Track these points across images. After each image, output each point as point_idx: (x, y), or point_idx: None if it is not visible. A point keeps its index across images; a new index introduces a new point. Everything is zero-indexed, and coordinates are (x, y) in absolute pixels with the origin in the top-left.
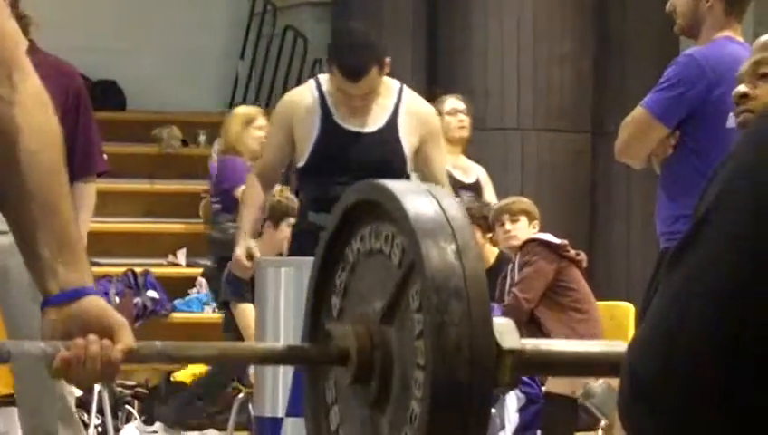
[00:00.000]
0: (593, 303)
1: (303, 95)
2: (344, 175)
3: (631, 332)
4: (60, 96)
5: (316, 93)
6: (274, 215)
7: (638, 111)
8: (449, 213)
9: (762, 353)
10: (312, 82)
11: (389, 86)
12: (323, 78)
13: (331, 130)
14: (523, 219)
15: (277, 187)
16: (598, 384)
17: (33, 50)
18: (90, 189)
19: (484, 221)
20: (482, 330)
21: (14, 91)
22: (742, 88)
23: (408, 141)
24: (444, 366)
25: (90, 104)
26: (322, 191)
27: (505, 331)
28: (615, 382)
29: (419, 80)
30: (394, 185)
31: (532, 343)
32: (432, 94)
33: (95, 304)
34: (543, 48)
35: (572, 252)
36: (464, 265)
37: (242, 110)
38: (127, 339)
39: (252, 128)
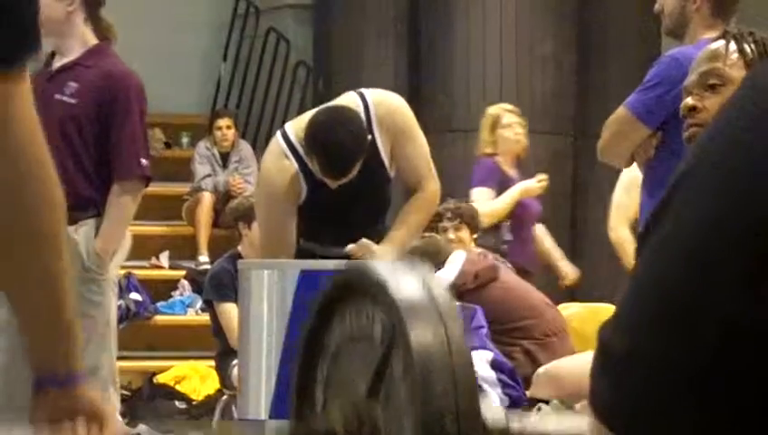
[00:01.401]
0: (535, 305)
1: (283, 163)
2: (333, 216)
3: None
4: (93, 98)
5: (294, 159)
6: (244, 215)
7: (621, 111)
8: (434, 292)
9: (734, 328)
10: (283, 144)
11: (357, 106)
12: (292, 132)
13: (319, 191)
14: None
15: (236, 178)
16: (549, 408)
17: (94, 51)
18: (116, 194)
19: (473, 221)
20: (468, 404)
21: None
22: (690, 101)
23: (387, 154)
24: (432, 418)
25: (131, 109)
26: (314, 226)
27: (491, 409)
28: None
29: (401, 81)
30: (377, 267)
31: (519, 424)
32: (416, 96)
33: (86, 390)
34: (525, 50)
35: (469, 281)
36: (449, 338)
37: (492, 110)
38: (113, 428)
39: (500, 128)
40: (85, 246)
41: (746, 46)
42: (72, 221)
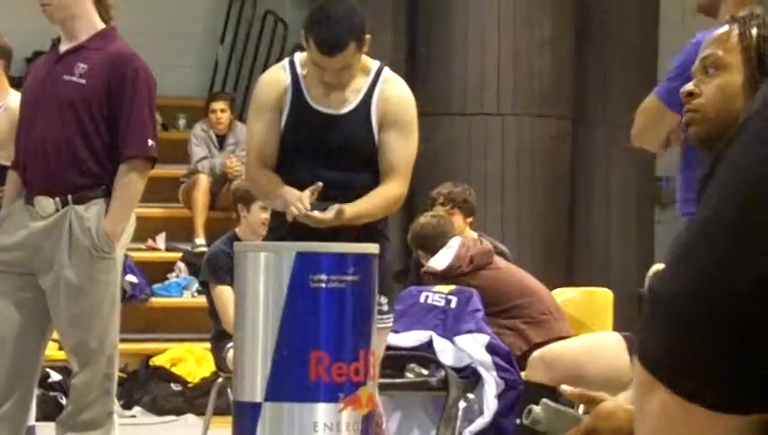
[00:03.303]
0: (529, 286)
1: (279, 74)
2: (314, 158)
3: (610, 318)
4: (102, 80)
5: (289, 73)
6: (243, 197)
7: (650, 98)
8: None
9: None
10: (286, 61)
11: (368, 66)
12: (299, 57)
13: (301, 111)
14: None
15: (233, 160)
16: (540, 408)
17: (101, 35)
18: (123, 174)
19: (466, 205)
20: None
21: None
22: (689, 86)
23: (378, 125)
24: None
25: (138, 90)
26: (291, 174)
27: None
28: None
29: (399, 64)
30: None
31: None
32: (413, 78)
33: None
34: (524, 33)
35: (464, 264)
36: None
37: None
38: None
39: None
40: (95, 225)
41: (747, 30)
42: (83, 200)
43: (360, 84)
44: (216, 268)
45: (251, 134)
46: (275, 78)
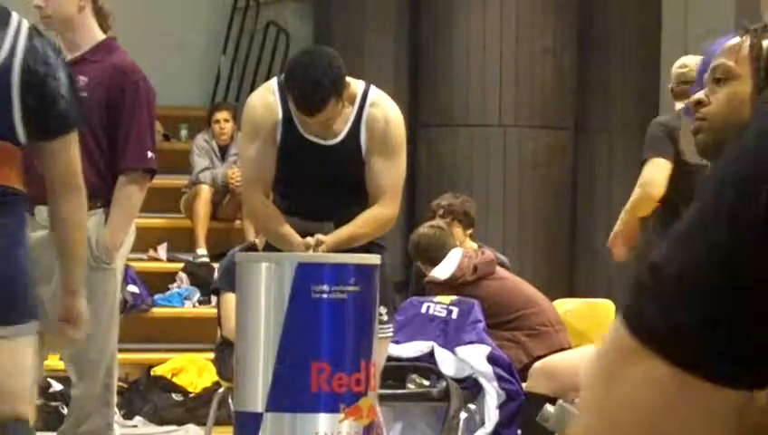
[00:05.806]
0: (531, 297)
1: (268, 99)
2: (309, 185)
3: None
4: (102, 92)
5: (279, 99)
6: None
7: None
8: None
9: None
10: (274, 84)
11: (354, 92)
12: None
13: (294, 141)
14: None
15: (235, 171)
16: (553, 407)
17: (102, 46)
18: (122, 186)
19: (466, 217)
20: None
21: None
22: (699, 95)
23: (366, 148)
24: None
25: (139, 102)
26: (289, 199)
27: None
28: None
29: (402, 75)
30: None
31: None
32: (416, 89)
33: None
34: (525, 44)
35: (467, 273)
36: None
37: None
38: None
39: None
40: (94, 235)
41: (759, 41)
42: None
43: (347, 113)
44: (231, 275)
45: (247, 160)
46: (266, 102)
